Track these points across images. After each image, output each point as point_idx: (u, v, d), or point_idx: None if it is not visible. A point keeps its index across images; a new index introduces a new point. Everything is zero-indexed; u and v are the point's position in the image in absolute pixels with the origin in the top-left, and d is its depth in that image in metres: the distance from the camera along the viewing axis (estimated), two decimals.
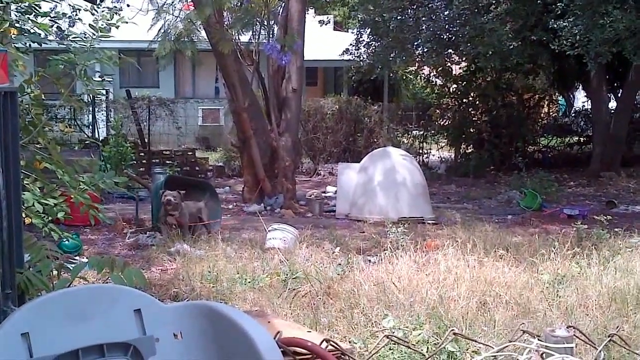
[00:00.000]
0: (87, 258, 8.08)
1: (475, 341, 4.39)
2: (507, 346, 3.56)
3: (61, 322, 2.21)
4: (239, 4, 12.43)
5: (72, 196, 5.84)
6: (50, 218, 5.76)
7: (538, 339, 3.27)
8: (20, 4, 7.05)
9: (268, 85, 13.52)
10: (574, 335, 3.40)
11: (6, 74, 3.06)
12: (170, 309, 2.45)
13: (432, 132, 20.60)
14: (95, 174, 6.10)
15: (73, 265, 4.55)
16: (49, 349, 2.14)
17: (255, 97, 13.24)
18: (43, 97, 7.95)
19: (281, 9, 13.12)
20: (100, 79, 10.33)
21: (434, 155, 20.70)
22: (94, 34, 6.12)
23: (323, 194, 14.74)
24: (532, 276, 6.72)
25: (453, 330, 3.90)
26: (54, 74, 6.52)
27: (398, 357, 4.56)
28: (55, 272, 4.23)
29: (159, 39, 12.46)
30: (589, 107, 20.89)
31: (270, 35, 12.96)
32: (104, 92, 19.70)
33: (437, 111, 20.79)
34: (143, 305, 2.38)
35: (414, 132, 20.77)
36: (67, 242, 8.22)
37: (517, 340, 3.59)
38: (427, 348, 4.66)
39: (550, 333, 3.26)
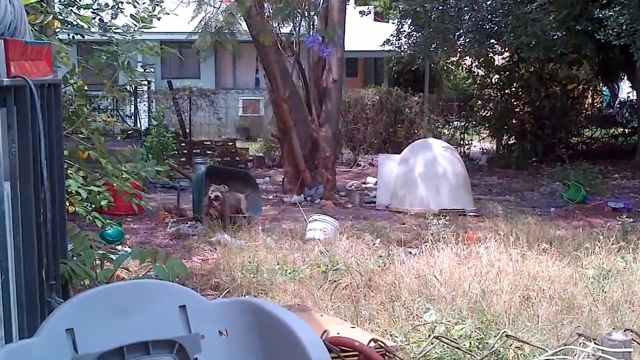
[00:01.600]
0: (129, 247, 8.16)
1: (528, 344, 4.30)
2: (561, 350, 3.46)
3: (105, 318, 2.18)
4: None
5: (114, 185, 5.90)
6: (93, 206, 5.82)
7: (594, 343, 3.17)
8: None
9: (308, 76, 13.49)
10: (632, 339, 3.28)
11: (50, 66, 3.07)
12: (215, 305, 2.40)
13: (474, 123, 20.37)
14: (138, 163, 6.16)
15: (116, 255, 4.59)
16: (94, 345, 2.11)
17: (295, 88, 13.21)
18: (86, 88, 8.04)
19: (322, 1, 13.05)
20: (142, 70, 10.44)
21: (475, 146, 20.48)
22: (136, 25, 6.15)
23: (363, 185, 14.69)
24: (576, 270, 6.62)
25: (505, 332, 3.81)
26: (97, 65, 6.58)
27: (440, 352, 4.51)
28: (98, 262, 4.27)
29: (200, 31, 12.50)
30: (634, 97, 20.48)
31: (311, 27, 12.92)
32: (145, 82, 19.88)
33: (479, 102, 20.55)
34: (188, 301, 2.34)
35: (455, 123, 20.55)
36: (109, 230, 8.31)
37: (572, 344, 3.48)
38: (470, 343, 4.60)
39: (607, 337, 3.15)
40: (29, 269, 2.49)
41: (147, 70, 11.28)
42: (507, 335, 3.82)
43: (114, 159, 6.13)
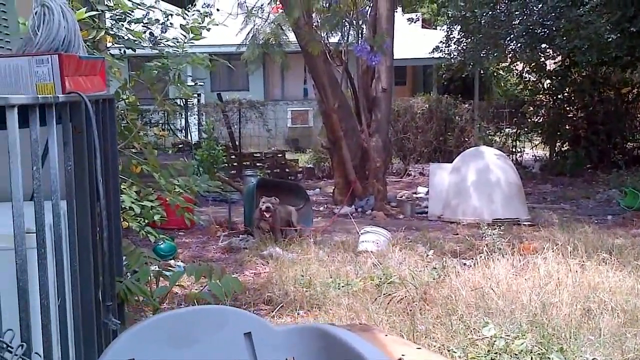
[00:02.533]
0: (181, 261, 8.17)
1: None
2: None
3: (166, 348, 2.10)
4: (328, 4, 12.37)
5: (167, 199, 5.90)
6: (146, 221, 5.82)
7: None
8: (114, 11, 7.16)
9: (357, 86, 13.43)
10: None
11: (104, 81, 3.06)
12: (282, 332, 2.27)
13: (526, 129, 20.07)
14: (190, 177, 6.15)
15: (170, 272, 4.56)
16: None
17: (344, 98, 13.16)
18: (138, 103, 8.09)
19: (369, 9, 12.98)
20: (192, 83, 10.49)
21: (527, 153, 20.16)
22: (185, 37, 6.16)
23: (414, 195, 14.56)
24: (638, 281, 6.40)
25: None
26: (149, 80, 6.60)
27: None
28: (153, 279, 4.25)
29: (248, 43, 12.55)
30: None
31: (360, 36, 12.86)
32: (196, 96, 20.04)
33: (531, 108, 20.23)
34: (253, 328, 2.23)
35: (507, 130, 20.28)
36: (162, 245, 8.33)
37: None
38: (531, 358, 4.46)
39: None
40: (85, 291, 2.45)
41: (198, 84, 11.33)
42: None
43: (167, 172, 6.13)
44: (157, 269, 4.33)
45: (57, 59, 2.38)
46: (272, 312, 6.04)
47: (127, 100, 8.06)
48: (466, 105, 19.55)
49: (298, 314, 6.02)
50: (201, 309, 2.29)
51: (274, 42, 12.33)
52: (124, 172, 6.22)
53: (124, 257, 3.59)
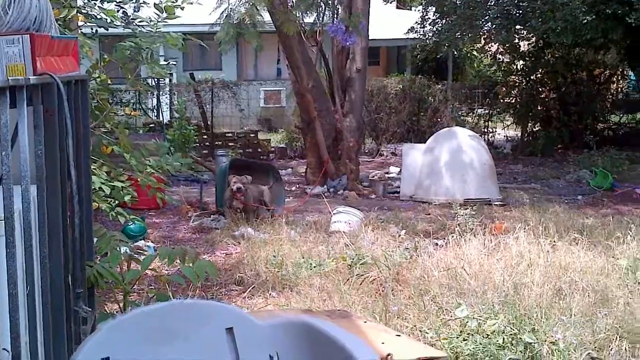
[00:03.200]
0: (152, 242, 8.11)
1: None
2: None
3: (144, 344, 2.00)
4: None
5: (138, 180, 5.83)
6: (117, 202, 5.74)
7: None
8: None
9: (332, 66, 13.36)
10: None
11: (77, 61, 2.97)
12: (266, 327, 2.20)
13: (498, 110, 20.12)
14: (162, 157, 6.08)
15: (142, 255, 4.49)
16: None
17: (319, 78, 13.08)
18: (109, 82, 7.96)
19: None
20: (165, 63, 10.36)
21: (499, 134, 20.23)
22: (159, 16, 6.06)
23: (386, 175, 14.55)
24: (608, 261, 6.46)
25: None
26: (121, 59, 6.50)
27: (473, 348, 4.39)
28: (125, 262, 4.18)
29: (222, 23, 12.39)
30: None
31: (335, 16, 12.76)
32: (168, 75, 19.81)
33: (504, 89, 20.26)
34: (236, 323, 2.15)
35: (479, 110, 20.32)
36: (132, 225, 8.24)
37: None
38: (503, 339, 4.47)
39: None
40: (56, 277, 2.37)
41: (170, 63, 11.19)
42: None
43: (138, 153, 6.05)
44: (128, 252, 4.25)
45: (29, 39, 2.30)
46: (244, 293, 6.01)
47: (98, 80, 7.94)
48: (439, 86, 19.54)
49: (270, 295, 5.99)
50: (182, 303, 2.21)
51: (248, 22, 12.16)
52: (94, 152, 6.13)
53: (94, 240, 3.52)
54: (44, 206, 2.37)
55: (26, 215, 2.18)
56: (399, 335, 2.93)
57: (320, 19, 12.85)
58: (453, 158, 11.55)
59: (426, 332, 4.67)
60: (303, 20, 12.63)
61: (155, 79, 15.47)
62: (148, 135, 13.62)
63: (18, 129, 2.09)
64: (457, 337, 4.54)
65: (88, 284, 3.10)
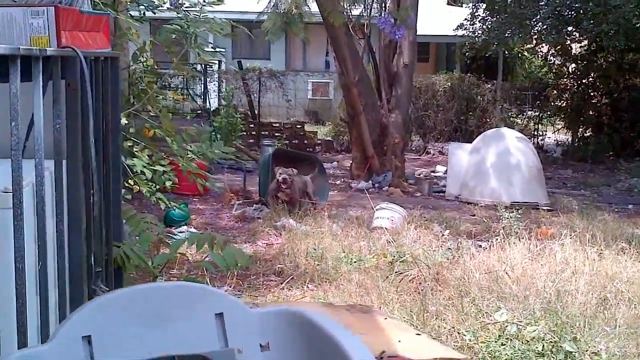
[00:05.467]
0: (194, 228, 8.10)
1: None
2: None
3: (129, 326, 1.92)
4: None
5: (179, 165, 5.82)
6: (157, 186, 5.73)
7: None
8: None
9: (379, 60, 13.24)
10: None
11: (108, 38, 2.93)
12: (257, 314, 2.11)
13: (548, 113, 19.79)
14: (203, 143, 6.05)
15: (173, 239, 4.46)
16: (113, 356, 1.86)
17: (365, 72, 12.98)
18: (156, 66, 7.96)
19: None
20: (212, 49, 10.35)
21: (549, 137, 19.89)
22: (204, 1, 6.04)
23: (432, 174, 14.40)
24: None
25: None
26: (165, 42, 6.49)
27: (511, 353, 4.27)
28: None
29: (269, 12, 12.36)
30: None
31: (383, 9, 12.63)
32: (216, 62, 19.88)
33: (554, 92, 19.92)
34: (226, 309, 2.06)
35: (529, 112, 19.99)
36: (175, 211, 8.26)
37: None
38: (543, 346, 4.35)
39: None
40: (75, 255, 2.33)
41: (217, 51, 11.20)
42: None
43: (180, 138, 6.04)
44: (159, 235, 4.21)
45: (54, 11, 2.24)
46: (282, 283, 5.96)
47: (145, 63, 7.95)
48: (489, 86, 19.26)
49: (307, 287, 5.93)
50: (171, 285, 2.14)
51: (295, 13, 12.11)
52: (137, 135, 6.13)
53: (123, 222, 3.48)
54: (61, 181, 2.33)
55: (39, 190, 2.13)
56: (419, 335, 2.84)
57: (368, 11, 12.74)
58: (500, 159, 11.37)
59: (464, 335, 4.56)
60: (350, 11, 12.54)
61: (203, 66, 15.51)
62: (195, 121, 13.64)
63: (34, 101, 2.04)
64: (496, 341, 4.43)
65: (115, 265, 3.07)
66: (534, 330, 4.47)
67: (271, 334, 2.08)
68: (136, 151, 5.91)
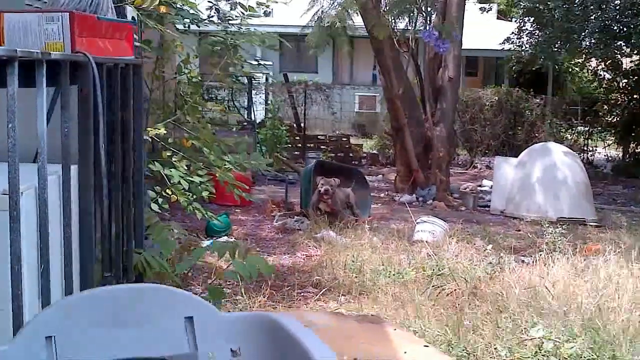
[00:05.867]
0: (234, 238, 8.13)
1: None
2: None
3: (95, 327, 1.88)
4: None
5: (217, 175, 5.85)
6: (195, 197, 5.76)
7: None
8: None
9: (423, 73, 13.17)
10: None
11: (131, 47, 2.95)
12: (229, 319, 2.08)
13: (599, 128, 19.44)
14: (241, 154, 6.08)
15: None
16: (76, 357, 1.82)
17: (410, 85, 12.92)
18: (200, 78, 8.04)
19: None
20: (258, 63, 10.43)
21: (599, 153, 19.54)
22: (244, 14, 6.09)
23: (478, 188, 14.23)
24: None
25: None
26: (205, 54, 6.57)
27: None
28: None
29: (313, 25, 12.39)
30: None
31: (428, 22, 12.56)
32: (261, 75, 20.02)
33: (605, 107, 19.57)
34: (197, 312, 2.02)
35: (579, 128, 19.67)
36: (216, 221, 8.29)
37: None
38: None
39: None
40: (86, 259, 2.34)
41: (261, 64, 11.25)
42: None
43: (218, 149, 6.08)
44: (182, 244, 4.21)
45: (68, 17, 2.26)
46: (318, 295, 5.93)
47: (189, 74, 8.05)
48: (537, 100, 19.00)
49: (344, 298, 5.89)
50: (140, 287, 2.09)
51: (338, 26, 12.10)
52: (174, 145, 6.19)
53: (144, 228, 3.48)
54: (69, 186, 2.33)
55: (42, 193, 2.13)
56: (427, 346, 2.77)
57: (413, 24, 12.68)
58: (546, 174, 11.20)
59: (500, 351, 4.48)
60: (395, 25, 12.50)
61: (248, 78, 15.63)
62: (240, 133, 13.72)
63: (37, 105, 2.05)
64: (532, 358, 4.33)
65: (135, 272, 3.07)
66: (572, 347, 4.37)
67: (243, 339, 2.04)
68: (175, 161, 5.97)
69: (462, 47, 12.96)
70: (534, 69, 18.89)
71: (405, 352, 2.62)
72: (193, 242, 5.72)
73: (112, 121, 2.68)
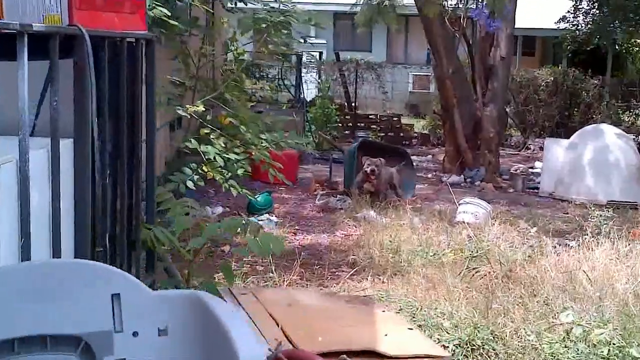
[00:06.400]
0: (276, 217, 8.17)
1: None
2: None
3: (20, 301, 1.84)
4: None
5: (252, 154, 5.88)
6: (230, 174, 5.80)
7: None
8: None
9: (475, 53, 12.96)
10: None
11: (143, 21, 2.96)
12: (158, 298, 2.02)
13: None
14: (278, 132, 6.10)
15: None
16: None
17: (460, 65, 12.73)
18: (244, 56, 8.08)
19: None
20: (303, 41, 10.41)
21: None
22: None
23: (530, 170, 13.99)
24: None
25: None
26: (245, 31, 6.60)
27: (574, 356, 4.11)
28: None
29: (362, 3, 12.27)
30: None
31: (479, 0, 12.34)
32: (316, 54, 20.01)
33: None
34: (124, 289, 1.96)
35: (639, 110, 19.14)
36: (259, 198, 8.36)
37: None
38: (609, 350, 4.16)
39: None
40: (80, 234, 2.37)
41: (309, 42, 11.22)
42: None
43: (255, 127, 6.11)
44: (196, 220, 4.23)
45: None
46: (351, 274, 5.93)
47: (235, 52, 8.09)
48: (595, 81, 18.54)
49: (378, 278, 5.88)
50: (68, 262, 2.06)
51: (387, 4, 11.94)
52: (214, 123, 6.24)
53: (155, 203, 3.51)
54: (57, 159, 2.34)
55: (22, 167, 2.16)
56: (411, 329, 2.73)
57: (465, 2, 12.48)
58: (597, 156, 10.96)
59: (528, 335, 4.42)
60: (446, 3, 12.32)
61: (296, 57, 15.62)
62: (289, 111, 13.74)
63: (18, 76, 2.07)
64: (560, 343, 4.27)
65: (145, 248, 3.10)
66: (601, 333, 4.29)
67: (171, 318, 2.00)
68: (213, 138, 6.02)
69: (516, 27, 12.72)
70: (588, 48, 18.41)
71: (386, 335, 2.59)
72: (208, 219, 5.76)
73: (117, 96, 2.70)
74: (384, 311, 2.91)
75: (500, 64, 12.46)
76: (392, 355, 2.39)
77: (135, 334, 1.97)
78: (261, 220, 7.86)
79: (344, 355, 2.35)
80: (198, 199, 8.19)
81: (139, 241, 3.01)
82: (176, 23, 7.10)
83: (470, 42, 13.25)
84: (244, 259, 5.89)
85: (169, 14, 6.14)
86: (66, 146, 2.38)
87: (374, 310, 2.84)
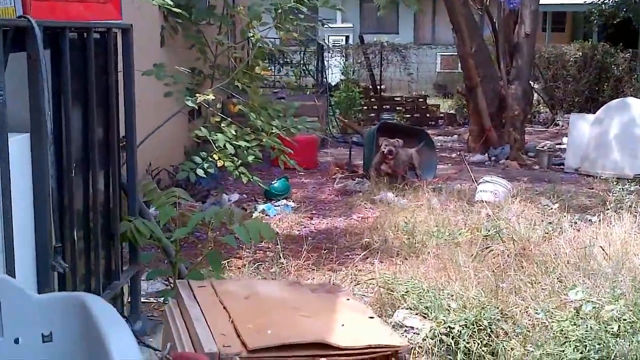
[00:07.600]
0: (293, 201, 8.17)
1: None
2: None
3: None
4: None
5: (263, 140, 5.87)
6: (240, 161, 5.78)
7: None
8: None
9: (499, 30, 12.79)
10: None
11: (118, 10, 2.94)
12: (42, 302, 1.94)
13: None
14: (288, 118, 6.07)
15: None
16: None
17: (483, 43, 12.58)
18: (260, 43, 8.07)
19: None
20: (321, 25, 10.32)
21: None
22: None
23: (557, 146, 13.80)
24: None
25: None
26: (254, 17, 6.58)
27: (583, 333, 4.04)
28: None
29: None
30: None
31: None
32: (342, 38, 19.92)
33: None
34: (4, 294, 1.87)
35: None
36: (276, 184, 8.36)
37: None
38: (619, 327, 4.08)
39: None
40: (40, 231, 2.35)
41: (328, 26, 11.15)
42: None
43: (266, 114, 6.09)
44: (181, 210, 4.20)
45: None
46: (364, 257, 5.91)
47: (252, 38, 8.08)
48: (625, 54, 18.18)
49: (390, 260, 5.84)
50: None
51: None
52: (224, 111, 6.23)
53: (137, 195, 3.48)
54: (6, 155, 2.28)
55: None
56: (372, 318, 2.67)
57: None
58: (623, 131, 10.78)
59: (537, 313, 4.36)
60: None
61: (316, 42, 15.54)
62: (313, 96, 13.70)
63: None
64: (569, 321, 4.20)
65: (124, 240, 3.09)
66: (612, 310, 4.20)
67: (56, 323, 1.93)
68: (223, 126, 6.01)
69: (546, 2, 12.50)
70: (615, 22, 18.02)
71: (342, 325, 2.54)
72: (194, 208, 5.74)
73: (85, 88, 2.69)
74: (348, 299, 2.84)
75: (524, 40, 12.29)
76: (343, 347, 2.35)
77: (17, 340, 1.91)
78: (278, 205, 7.87)
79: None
80: (215, 186, 8.23)
81: (117, 234, 3.00)
82: (183, 12, 7.10)
83: (495, 20, 13.07)
84: (256, 246, 5.88)
85: (171, 3, 6.16)
86: (23, 140, 2.37)
87: (338, 299, 2.77)
